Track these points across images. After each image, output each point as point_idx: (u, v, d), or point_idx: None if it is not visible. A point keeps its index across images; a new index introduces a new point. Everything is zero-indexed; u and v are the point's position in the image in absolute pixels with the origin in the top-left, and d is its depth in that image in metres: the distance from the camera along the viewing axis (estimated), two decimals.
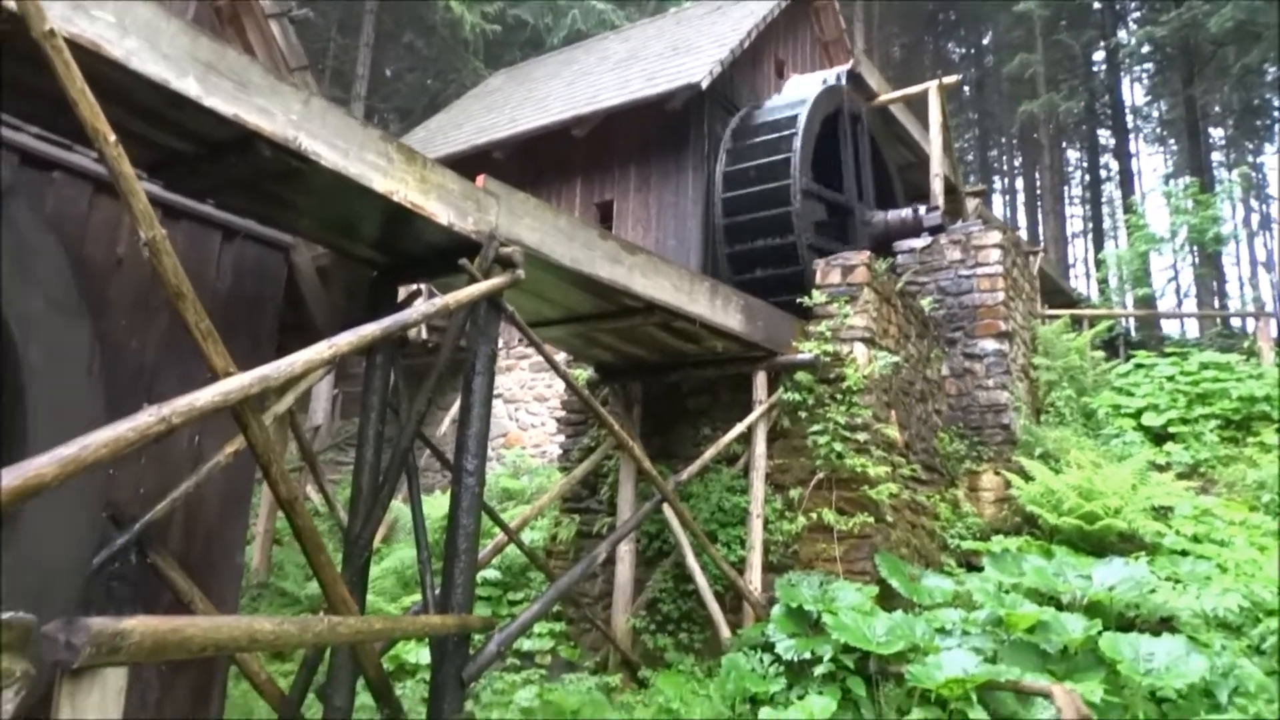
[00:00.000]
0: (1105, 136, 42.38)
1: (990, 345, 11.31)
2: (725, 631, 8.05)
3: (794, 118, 11.45)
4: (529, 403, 13.96)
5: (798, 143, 11.09)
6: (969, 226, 12.06)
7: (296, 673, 6.00)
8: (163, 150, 4.95)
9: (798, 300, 9.40)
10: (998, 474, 10.64)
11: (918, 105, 15.60)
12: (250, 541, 9.86)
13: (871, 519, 8.34)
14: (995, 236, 11.75)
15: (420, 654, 8.05)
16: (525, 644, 8.23)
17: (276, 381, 4.25)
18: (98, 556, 4.54)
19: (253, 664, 5.43)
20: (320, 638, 3.78)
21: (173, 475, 5.55)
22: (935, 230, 12.13)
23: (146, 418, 3.59)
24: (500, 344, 9.44)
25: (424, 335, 13.30)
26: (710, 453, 8.37)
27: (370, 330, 4.89)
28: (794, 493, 8.65)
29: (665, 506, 8.15)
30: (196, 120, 4.55)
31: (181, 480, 5.47)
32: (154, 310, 5.82)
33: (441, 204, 5.71)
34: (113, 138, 3.77)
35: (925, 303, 11.23)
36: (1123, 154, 40.52)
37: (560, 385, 12.78)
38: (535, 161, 14.09)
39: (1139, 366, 13.09)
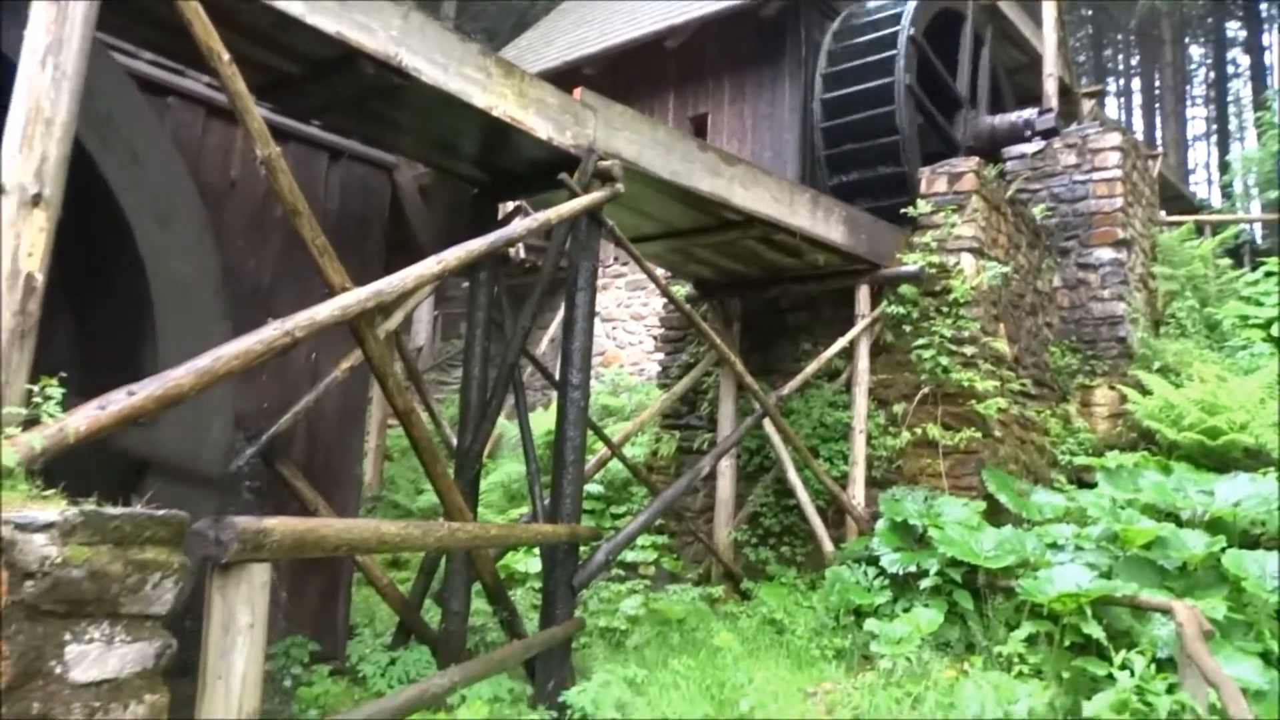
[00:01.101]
0: (1234, 29, 39.29)
1: (1106, 254, 10.77)
2: (828, 545, 8.06)
3: (898, 15, 10.89)
4: (626, 321, 14.01)
5: (902, 40, 10.56)
6: (1084, 129, 11.40)
7: (415, 579, 6.28)
8: (271, 73, 5.01)
9: (901, 209, 9.08)
10: (1112, 389, 10.24)
11: (1029, 1, 14.67)
12: (362, 457, 10.24)
13: (978, 434, 8.16)
14: (1114, 139, 11.08)
15: (529, 564, 8.31)
16: (629, 556, 8.40)
17: (390, 296, 4.34)
18: (232, 465, 4.78)
19: (375, 570, 5.69)
20: (441, 541, 3.92)
21: (293, 391, 5.79)
22: (1048, 134, 11.49)
23: (271, 331, 3.71)
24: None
25: (522, 255, 13.40)
26: (811, 368, 8.26)
27: (476, 245, 4.93)
28: (898, 408, 8.51)
29: (766, 422, 8.13)
30: (301, 40, 4.58)
31: (301, 395, 5.70)
32: (268, 232, 6.00)
33: (540, 118, 5.66)
34: (227, 57, 3.83)
35: (1037, 211, 10.73)
36: (1254, 47, 37.54)
37: (657, 303, 12.77)
38: (626, 77, 13.84)
39: (1269, 274, 12.31)
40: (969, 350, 8.33)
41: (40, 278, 3.13)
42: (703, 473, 7.22)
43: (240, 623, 2.79)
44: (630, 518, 8.93)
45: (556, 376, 6.31)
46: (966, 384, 8.16)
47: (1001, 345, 8.78)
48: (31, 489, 2.56)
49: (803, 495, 8.25)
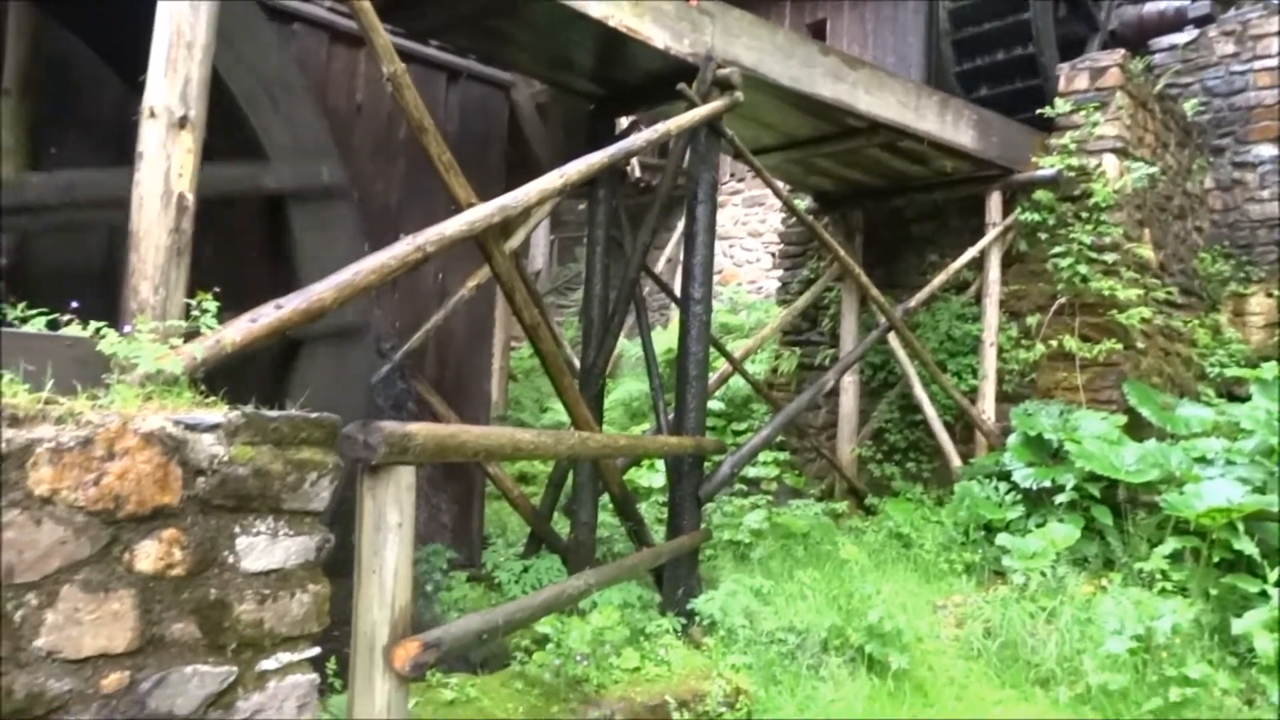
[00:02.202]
0: None
1: (1267, 151, 9.91)
2: (955, 460, 7.88)
3: None
4: (743, 239, 13.81)
5: None
6: (1246, 13, 10.40)
7: (544, 492, 6.47)
8: None
9: (1037, 112, 8.54)
10: (1269, 296, 9.53)
11: None
12: (489, 376, 10.45)
13: (1119, 345, 7.75)
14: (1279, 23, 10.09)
15: (652, 479, 8.46)
16: (751, 472, 8.41)
17: (515, 210, 4.38)
18: (371, 379, 4.98)
19: (506, 482, 5.88)
20: (573, 449, 4.00)
21: (423, 310, 5.96)
22: (1202, 21, 10.56)
23: (405, 246, 3.80)
24: None
25: (637, 174, 13.30)
26: (939, 280, 7.97)
27: (597, 158, 4.90)
28: (1031, 319, 8.14)
29: (891, 336, 7.93)
30: None
31: (431, 314, 5.87)
32: (393, 155, 6.12)
33: (656, 26, 5.53)
34: None
35: (1188, 106, 9.93)
36: None
37: (775, 219, 12.53)
38: None
39: None
40: (1110, 258, 7.86)
41: (190, 197, 3.27)
42: (826, 387, 7.13)
43: (390, 521, 2.92)
44: (751, 435, 8.93)
45: (676, 294, 6.28)
46: (1107, 293, 7.73)
47: (1146, 252, 8.26)
48: (195, 396, 2.71)
49: (929, 410, 8.06)
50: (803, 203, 9.25)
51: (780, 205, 12.10)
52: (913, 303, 7.82)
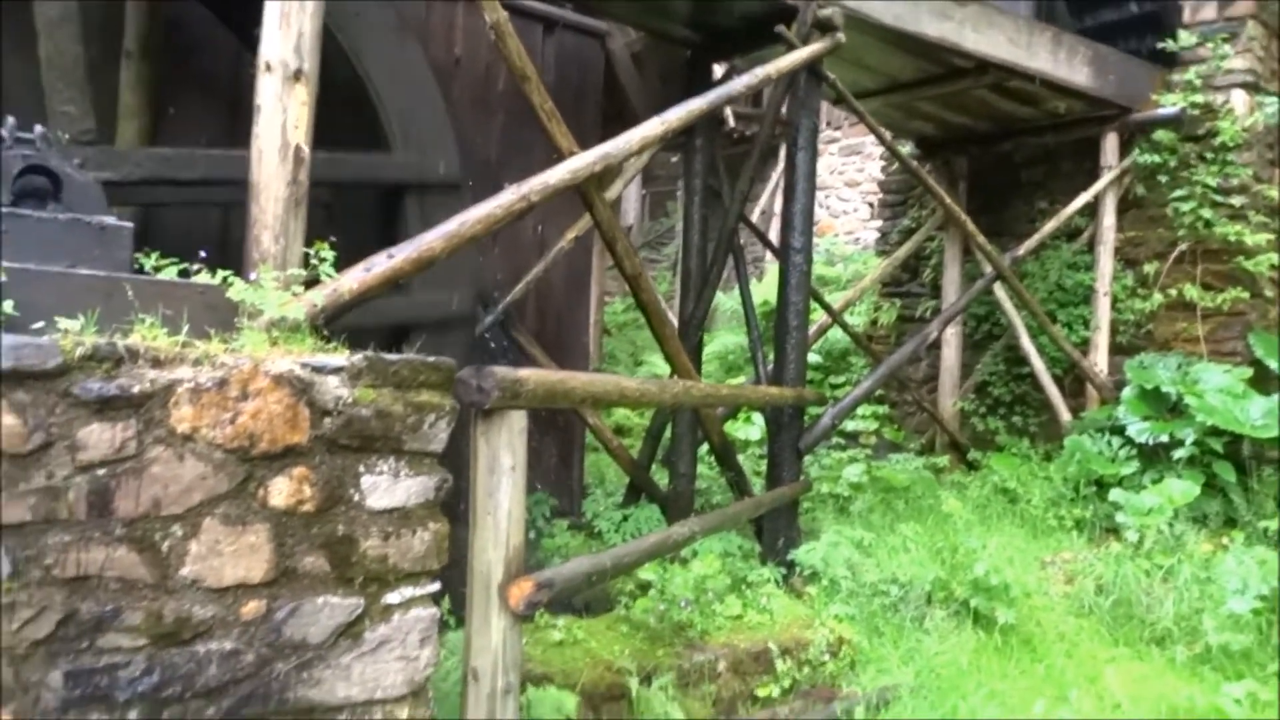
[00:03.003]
0: None
1: None
2: (1064, 414, 7.61)
3: None
4: (839, 189, 13.50)
5: None
6: None
7: (643, 443, 6.51)
8: None
9: (1158, 46, 8.05)
10: None
11: None
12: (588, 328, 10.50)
13: (1245, 294, 7.33)
14: None
15: (748, 432, 8.43)
16: (849, 425, 8.31)
17: (617, 158, 4.36)
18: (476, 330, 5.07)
19: (606, 432, 5.94)
20: (677, 398, 4.01)
21: (522, 262, 6.02)
22: None
23: (509, 196, 3.83)
24: None
25: (732, 124, 13.09)
26: (1049, 227, 7.65)
27: (697, 104, 4.83)
28: (1148, 268, 7.76)
29: (997, 286, 7.67)
30: None
31: (531, 267, 5.93)
32: (493, 110, 6.16)
33: None
34: None
35: None
36: None
37: (873, 168, 12.21)
38: None
39: None
40: (1237, 201, 7.41)
41: (306, 149, 3.35)
42: (930, 338, 6.96)
43: (503, 465, 2.98)
44: (849, 388, 8.81)
45: (773, 244, 6.19)
46: (1233, 239, 7.30)
47: (1277, 194, 7.75)
48: (316, 342, 2.80)
49: (1037, 363, 7.80)
50: (904, 149, 8.97)
51: (879, 154, 11.79)
52: (1021, 251, 7.53)
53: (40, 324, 2.27)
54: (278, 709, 2.39)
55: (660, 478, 6.47)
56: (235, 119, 4.80)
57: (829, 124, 13.49)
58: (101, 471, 2.17)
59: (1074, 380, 7.89)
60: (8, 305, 2.29)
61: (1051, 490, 6.78)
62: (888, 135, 6.78)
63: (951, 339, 8.63)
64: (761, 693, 4.25)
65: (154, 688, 2.21)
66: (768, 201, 13.04)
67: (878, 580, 5.17)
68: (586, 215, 6.21)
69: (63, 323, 2.26)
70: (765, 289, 9.97)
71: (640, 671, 3.82)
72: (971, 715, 4.22)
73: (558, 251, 5.75)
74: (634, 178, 8.34)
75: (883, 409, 8.92)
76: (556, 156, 4.35)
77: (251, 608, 2.35)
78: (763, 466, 7.16)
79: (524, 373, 3.05)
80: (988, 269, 7.38)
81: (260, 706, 2.36)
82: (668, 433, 6.24)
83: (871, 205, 12.34)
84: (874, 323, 9.61)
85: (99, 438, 2.16)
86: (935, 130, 8.61)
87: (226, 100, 4.96)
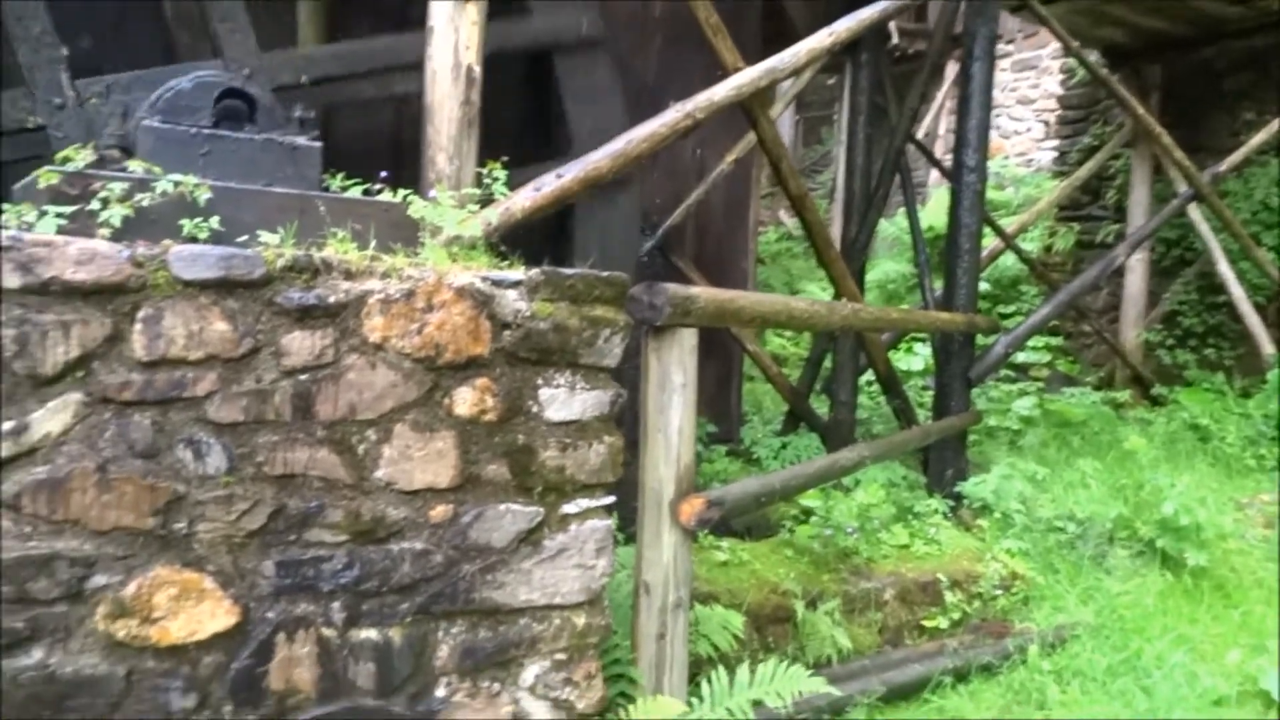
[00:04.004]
0: None
1: None
2: (1267, 347, 6.97)
3: None
4: (1011, 107, 12.64)
5: None
6: None
7: (802, 370, 6.41)
8: None
9: None
10: None
11: None
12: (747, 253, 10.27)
13: None
14: None
15: (910, 362, 8.16)
16: (1019, 357, 7.88)
17: (783, 73, 4.20)
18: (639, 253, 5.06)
19: (765, 358, 5.86)
20: (846, 320, 3.89)
21: (681, 186, 5.94)
22: None
23: (674, 114, 3.76)
24: None
25: (894, 41, 12.44)
26: (1257, 139, 6.92)
27: (867, 14, 4.58)
28: None
29: (1192, 207, 7.04)
30: None
31: (689, 191, 5.85)
32: (650, 32, 6.04)
33: None
34: None
35: None
36: None
37: (1050, 83, 11.38)
38: None
39: None
40: None
41: (478, 70, 3.38)
42: (1115, 264, 6.48)
43: (674, 382, 2.97)
44: (1019, 319, 8.36)
45: (940, 165, 5.86)
46: None
47: None
48: (491, 258, 2.84)
49: (1236, 290, 7.15)
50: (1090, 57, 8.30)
51: (1056, 68, 10.95)
52: (1223, 167, 6.86)
53: (244, 238, 2.39)
54: (463, 608, 2.49)
55: (819, 407, 6.36)
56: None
57: (1001, 37, 12.60)
58: (303, 377, 2.28)
59: (1277, 310, 7.21)
60: (214, 221, 2.41)
61: (1250, 428, 6.27)
62: (1075, 43, 6.26)
63: (1136, 266, 8.03)
64: (929, 624, 4.16)
65: (354, 581, 2.34)
66: (931, 123, 12.38)
67: (1053, 516, 4.94)
68: (746, 138, 6.09)
69: (264, 236, 2.37)
70: (928, 215, 9.53)
71: (805, 595, 3.79)
72: (1157, 659, 3.99)
73: (717, 174, 5.65)
74: (790, 102, 8.07)
75: (1056, 340, 8.43)
76: (720, 74, 4.23)
77: (440, 511, 2.45)
78: (925, 399, 6.93)
79: (695, 290, 3.02)
80: (1182, 188, 6.79)
81: (447, 604, 2.47)
82: (827, 362, 6.11)
83: (1047, 124, 11.53)
84: (1048, 249, 9.05)
85: (300, 344, 2.27)
86: (1125, 37, 7.91)
87: (395, 24, 5.04)
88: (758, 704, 2.91)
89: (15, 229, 2.13)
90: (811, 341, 6.55)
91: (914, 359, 8.16)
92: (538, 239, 4.25)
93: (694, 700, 2.95)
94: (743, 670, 2.98)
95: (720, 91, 3.93)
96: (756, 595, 3.70)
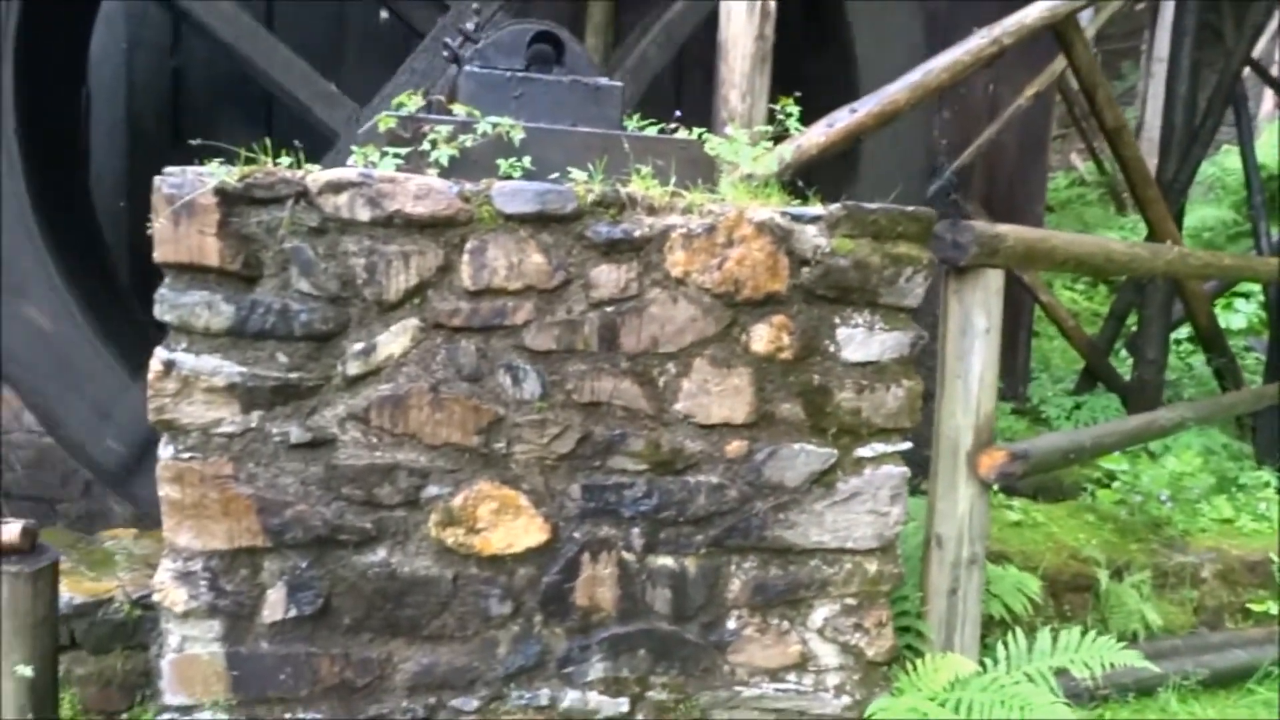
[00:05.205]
0: None
1: None
2: None
3: None
4: None
5: None
6: None
7: (1103, 325, 5.86)
8: None
9: None
10: None
11: None
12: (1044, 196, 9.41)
13: None
14: None
15: (1229, 319, 7.22)
16: None
17: None
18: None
19: (1060, 310, 5.41)
20: (1171, 265, 3.47)
21: (971, 125, 5.56)
22: None
23: (978, 40, 3.47)
24: None
25: None
26: None
27: None
28: None
29: None
30: None
31: (980, 130, 5.46)
32: None
33: None
34: None
35: None
36: None
37: None
38: None
39: None
40: None
41: (773, 4, 3.30)
42: None
43: (977, 326, 2.79)
44: None
45: None
46: None
47: None
48: (784, 195, 2.78)
49: None
50: None
51: None
52: None
53: (554, 176, 2.48)
54: (755, 544, 2.50)
55: (1119, 366, 5.80)
56: None
57: None
58: (609, 309, 2.35)
59: None
60: (526, 160, 2.53)
61: None
62: None
63: None
64: (1256, 607, 3.70)
65: (653, 509, 2.41)
66: (1267, 46, 10.74)
67: None
68: (1048, 69, 5.59)
69: (574, 173, 2.45)
70: (1260, 151, 8.29)
71: (1109, 564, 3.48)
72: None
73: (1014, 110, 5.23)
74: (1090, 36, 7.30)
75: None
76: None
77: (734, 447, 2.46)
78: (1246, 361, 6.13)
79: (1003, 228, 2.80)
80: None
81: (740, 539, 2.48)
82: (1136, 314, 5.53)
83: None
84: None
85: (607, 277, 2.34)
86: None
87: None
88: (1060, 672, 2.71)
89: (363, 167, 2.33)
90: (1116, 294, 5.96)
91: (1233, 316, 7.21)
92: (822, 181, 4.16)
93: (987, 660, 2.80)
94: (1043, 635, 2.78)
95: (1034, 13, 3.57)
96: (1054, 559, 3.45)
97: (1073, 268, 3.24)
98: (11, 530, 2.13)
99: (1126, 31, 14.11)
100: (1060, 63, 5.64)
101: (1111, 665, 2.68)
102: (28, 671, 2.06)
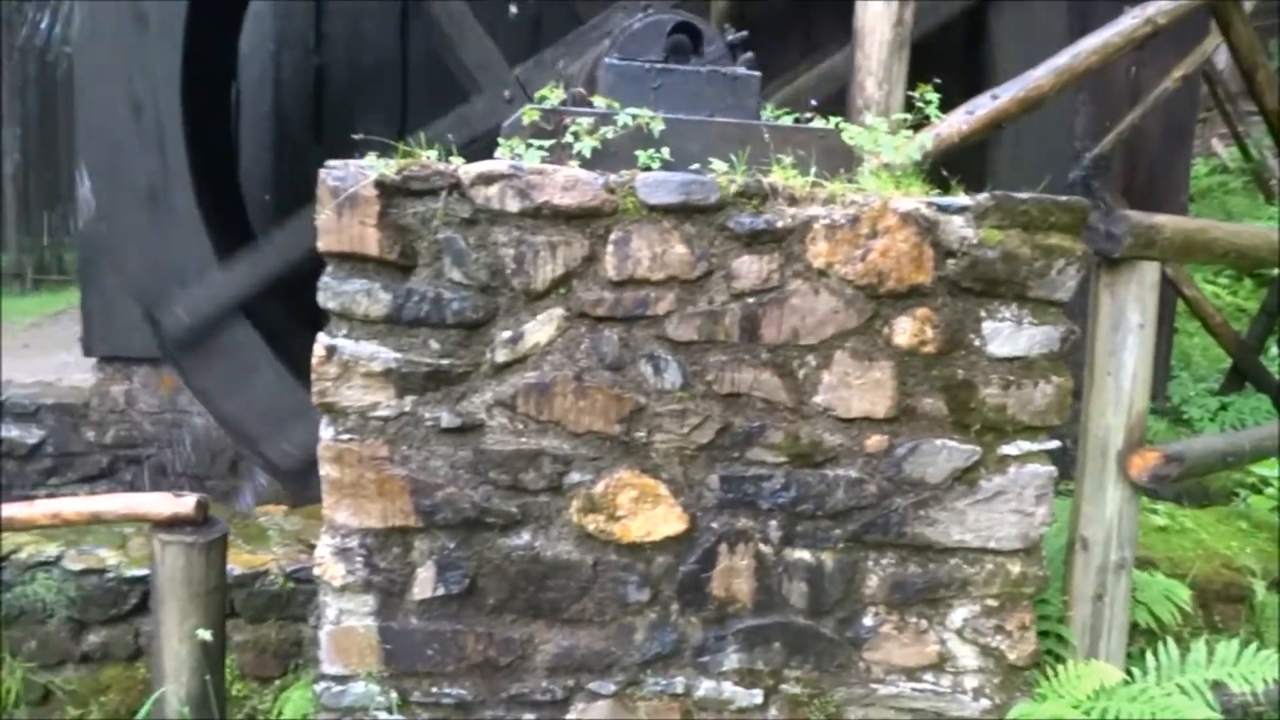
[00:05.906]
0: None
1: None
2: None
3: None
4: None
5: None
6: None
7: (1253, 322, 5.53)
8: None
9: None
10: None
11: None
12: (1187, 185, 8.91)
13: None
14: None
15: None
16: None
17: None
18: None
19: (1206, 305, 5.13)
20: None
21: (1110, 110, 5.32)
22: None
23: (1131, 20, 3.31)
24: None
25: None
26: None
27: None
28: None
29: None
30: None
31: (1120, 115, 5.23)
32: None
33: None
34: None
35: None
36: None
37: None
38: None
39: None
40: None
41: None
42: None
43: (1130, 321, 2.67)
44: None
45: None
46: None
47: None
48: (925, 185, 2.71)
49: None
50: None
51: None
52: None
53: (694, 167, 2.49)
54: (894, 540, 2.46)
55: (1270, 365, 5.47)
56: None
57: None
58: (750, 300, 2.34)
59: None
60: (665, 151, 2.54)
61: None
62: None
63: None
64: None
65: (791, 502, 2.40)
66: None
67: None
68: (1196, 50, 5.31)
69: (715, 163, 2.45)
70: None
71: (1264, 575, 3.30)
72: None
73: (1159, 94, 4.98)
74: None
75: None
76: None
77: (875, 441, 2.42)
78: None
79: (1160, 218, 2.67)
80: None
81: (879, 535, 2.45)
82: None
83: None
84: None
85: (749, 268, 2.33)
86: None
87: None
88: (1216, 685, 2.58)
89: (510, 159, 2.38)
90: (1260, 288, 5.62)
91: None
92: (955, 170, 4.05)
93: (1134, 670, 2.69)
94: (1198, 646, 2.65)
95: None
96: (1204, 567, 3.28)
97: (1233, 260, 3.06)
98: (187, 503, 2.27)
99: (1271, 8, 13.26)
100: (1210, 43, 5.35)
101: (1275, 682, 2.53)
102: (207, 635, 2.20)
